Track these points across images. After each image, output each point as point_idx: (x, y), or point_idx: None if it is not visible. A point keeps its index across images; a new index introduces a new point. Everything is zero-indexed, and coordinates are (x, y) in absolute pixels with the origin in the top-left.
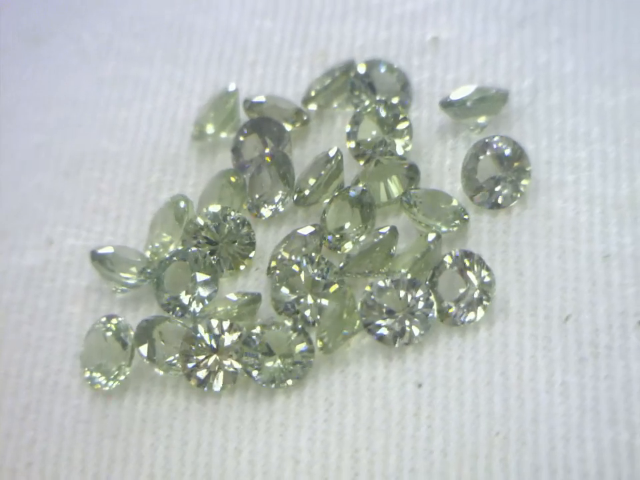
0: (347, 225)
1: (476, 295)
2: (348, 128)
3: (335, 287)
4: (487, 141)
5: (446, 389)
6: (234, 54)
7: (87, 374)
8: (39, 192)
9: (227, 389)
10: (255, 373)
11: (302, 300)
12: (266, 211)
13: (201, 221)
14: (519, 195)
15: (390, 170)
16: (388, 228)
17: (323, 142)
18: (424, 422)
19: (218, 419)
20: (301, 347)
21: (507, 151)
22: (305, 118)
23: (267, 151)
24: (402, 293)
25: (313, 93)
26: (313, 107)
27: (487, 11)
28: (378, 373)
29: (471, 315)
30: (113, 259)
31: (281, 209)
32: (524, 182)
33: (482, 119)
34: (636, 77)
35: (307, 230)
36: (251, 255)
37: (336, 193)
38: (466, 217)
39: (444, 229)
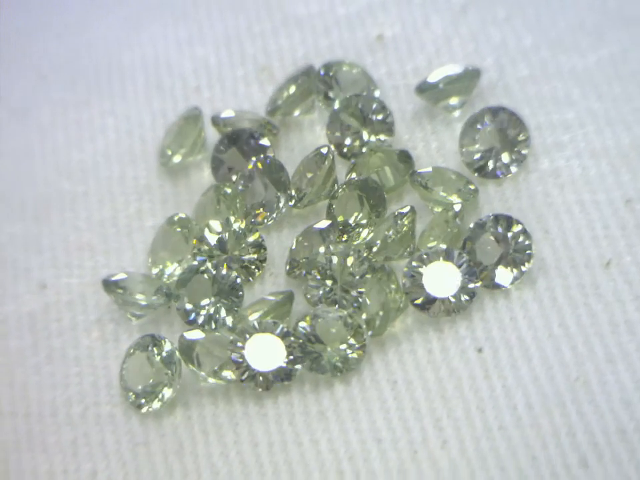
0: (359, 215)
1: (515, 257)
2: (329, 126)
3: (377, 271)
4: (480, 113)
5: (508, 349)
6: (173, 83)
7: (132, 398)
8: (13, 242)
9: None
10: (310, 364)
11: (340, 291)
12: (266, 218)
13: (209, 237)
14: (522, 161)
15: (383, 159)
16: (408, 208)
17: (296, 149)
18: (497, 382)
19: (282, 417)
20: (352, 333)
21: (503, 120)
22: (275, 128)
23: (254, 159)
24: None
25: (279, 102)
26: (278, 117)
27: (425, 5)
28: (433, 345)
29: (512, 278)
30: (127, 283)
31: (280, 214)
32: (523, 149)
33: (454, 100)
34: (597, 41)
35: (324, 224)
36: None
37: (338, 188)
38: (472, 186)
39: (459, 200)
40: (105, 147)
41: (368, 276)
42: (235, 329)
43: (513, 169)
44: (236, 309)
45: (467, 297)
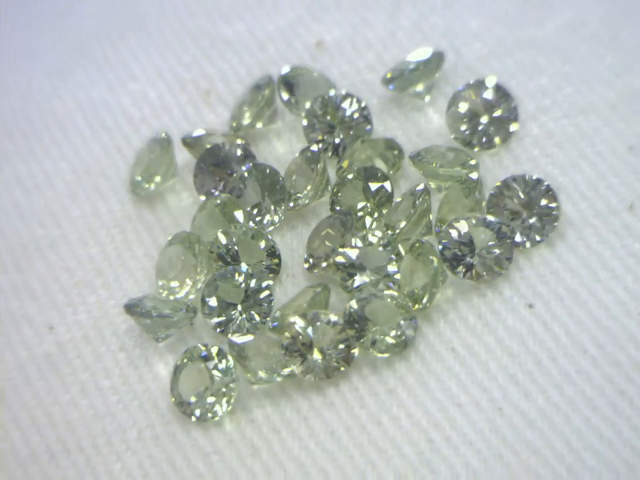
0: (365, 204)
1: (541, 212)
2: (306, 128)
3: (417, 247)
4: (465, 87)
5: (559, 300)
6: (117, 119)
7: (198, 411)
8: (2, 294)
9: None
10: (369, 345)
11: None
12: (266, 222)
13: (223, 239)
14: (511, 128)
15: (372, 149)
16: (422, 186)
17: (270, 159)
18: (560, 331)
19: (351, 402)
20: (403, 312)
21: (489, 92)
22: (247, 142)
23: (244, 167)
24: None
25: (242, 117)
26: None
27: (356, 7)
28: (482, 310)
29: (542, 234)
30: (150, 304)
31: (279, 218)
32: (512, 113)
33: (421, 87)
34: (548, 12)
35: (341, 214)
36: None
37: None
38: (472, 160)
39: (464, 171)
40: (67, 189)
41: (404, 253)
42: (280, 327)
43: (506, 137)
44: (265, 312)
45: (505, 257)
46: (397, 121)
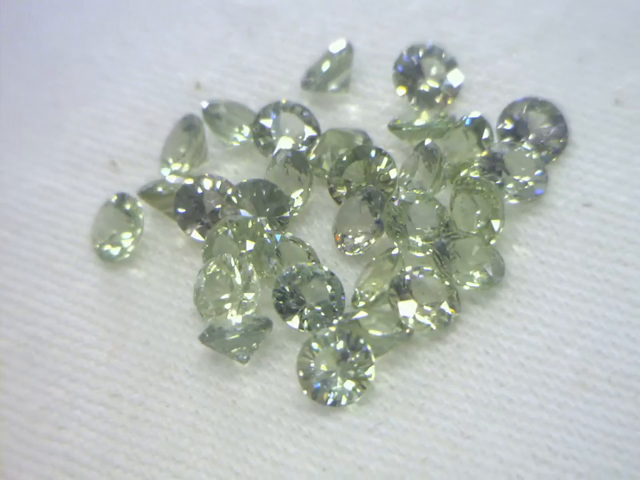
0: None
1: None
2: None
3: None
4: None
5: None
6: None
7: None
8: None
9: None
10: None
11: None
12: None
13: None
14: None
15: (341, 138)
16: (429, 141)
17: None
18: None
19: (406, 392)
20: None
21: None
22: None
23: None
24: None
25: (185, 159)
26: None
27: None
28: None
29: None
30: (221, 327)
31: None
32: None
33: (334, 85)
34: None
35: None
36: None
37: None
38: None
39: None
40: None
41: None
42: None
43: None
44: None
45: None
46: (334, 121)
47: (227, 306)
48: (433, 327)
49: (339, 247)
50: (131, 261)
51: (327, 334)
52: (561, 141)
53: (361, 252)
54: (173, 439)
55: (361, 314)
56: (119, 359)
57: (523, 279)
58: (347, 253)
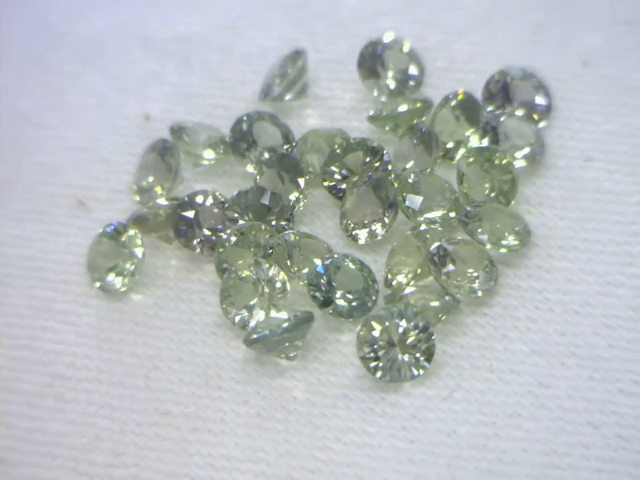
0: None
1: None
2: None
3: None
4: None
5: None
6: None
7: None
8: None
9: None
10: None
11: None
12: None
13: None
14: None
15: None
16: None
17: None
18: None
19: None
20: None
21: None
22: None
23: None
24: None
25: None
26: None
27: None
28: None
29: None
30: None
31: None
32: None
33: (291, 94)
34: None
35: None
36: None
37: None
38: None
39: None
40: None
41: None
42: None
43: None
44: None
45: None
46: (301, 127)
47: (257, 311)
48: (479, 292)
49: (351, 235)
50: (132, 290)
51: (382, 312)
52: (545, 103)
53: (379, 238)
54: (243, 442)
55: (409, 289)
56: (157, 380)
57: (549, 236)
58: (360, 242)
